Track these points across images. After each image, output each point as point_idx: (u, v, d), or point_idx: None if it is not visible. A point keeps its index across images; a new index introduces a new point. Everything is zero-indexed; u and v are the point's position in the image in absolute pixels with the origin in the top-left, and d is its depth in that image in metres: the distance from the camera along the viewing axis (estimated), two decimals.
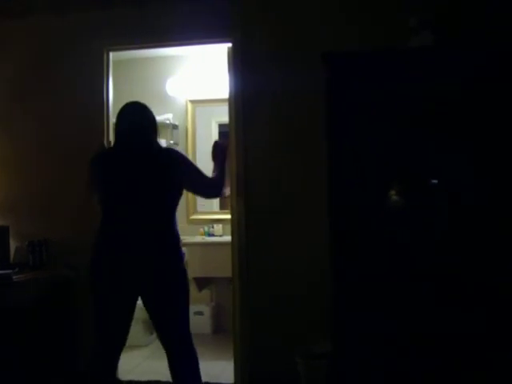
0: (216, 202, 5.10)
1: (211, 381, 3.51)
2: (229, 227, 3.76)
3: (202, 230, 4.99)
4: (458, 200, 2.56)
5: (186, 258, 4.13)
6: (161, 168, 2.67)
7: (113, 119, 3.75)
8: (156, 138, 2.80)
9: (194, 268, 4.57)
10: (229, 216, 3.75)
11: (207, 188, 2.84)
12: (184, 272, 2.73)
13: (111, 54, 3.71)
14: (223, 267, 4.03)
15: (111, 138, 3.67)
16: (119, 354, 2.78)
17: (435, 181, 2.65)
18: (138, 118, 2.76)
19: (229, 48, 3.57)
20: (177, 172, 2.69)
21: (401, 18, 2.92)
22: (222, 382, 3.59)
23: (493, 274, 2.50)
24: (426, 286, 2.55)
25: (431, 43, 2.72)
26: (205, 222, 5.06)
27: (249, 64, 3.47)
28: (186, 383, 2.74)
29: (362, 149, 2.66)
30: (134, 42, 3.71)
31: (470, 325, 2.48)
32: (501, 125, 2.52)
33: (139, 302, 2.73)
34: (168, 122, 4.99)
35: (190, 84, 5.03)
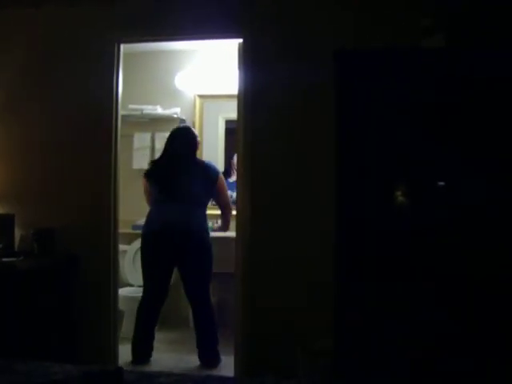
0: None
1: (213, 373, 3.52)
2: (233, 223, 3.77)
3: None
4: (465, 202, 2.57)
5: None
6: (201, 175, 3.93)
7: (122, 110, 3.80)
8: (196, 152, 4.04)
9: None
10: (233, 212, 3.76)
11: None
12: (209, 243, 3.91)
13: (122, 47, 3.71)
14: (226, 262, 4.03)
15: (119, 128, 3.70)
16: (164, 297, 3.97)
17: (442, 183, 2.65)
18: (186, 138, 4.00)
19: (240, 44, 3.56)
20: (213, 185, 3.97)
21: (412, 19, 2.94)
22: (224, 374, 3.59)
23: (500, 277, 2.50)
24: (429, 286, 2.56)
25: (444, 44, 2.72)
26: (209, 217, 5.05)
27: (259, 60, 3.46)
28: (205, 327, 3.85)
29: (370, 148, 2.66)
30: (146, 35, 3.71)
31: (474, 326, 2.49)
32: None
33: None
34: (176, 116, 4.99)
35: (199, 79, 5.03)
